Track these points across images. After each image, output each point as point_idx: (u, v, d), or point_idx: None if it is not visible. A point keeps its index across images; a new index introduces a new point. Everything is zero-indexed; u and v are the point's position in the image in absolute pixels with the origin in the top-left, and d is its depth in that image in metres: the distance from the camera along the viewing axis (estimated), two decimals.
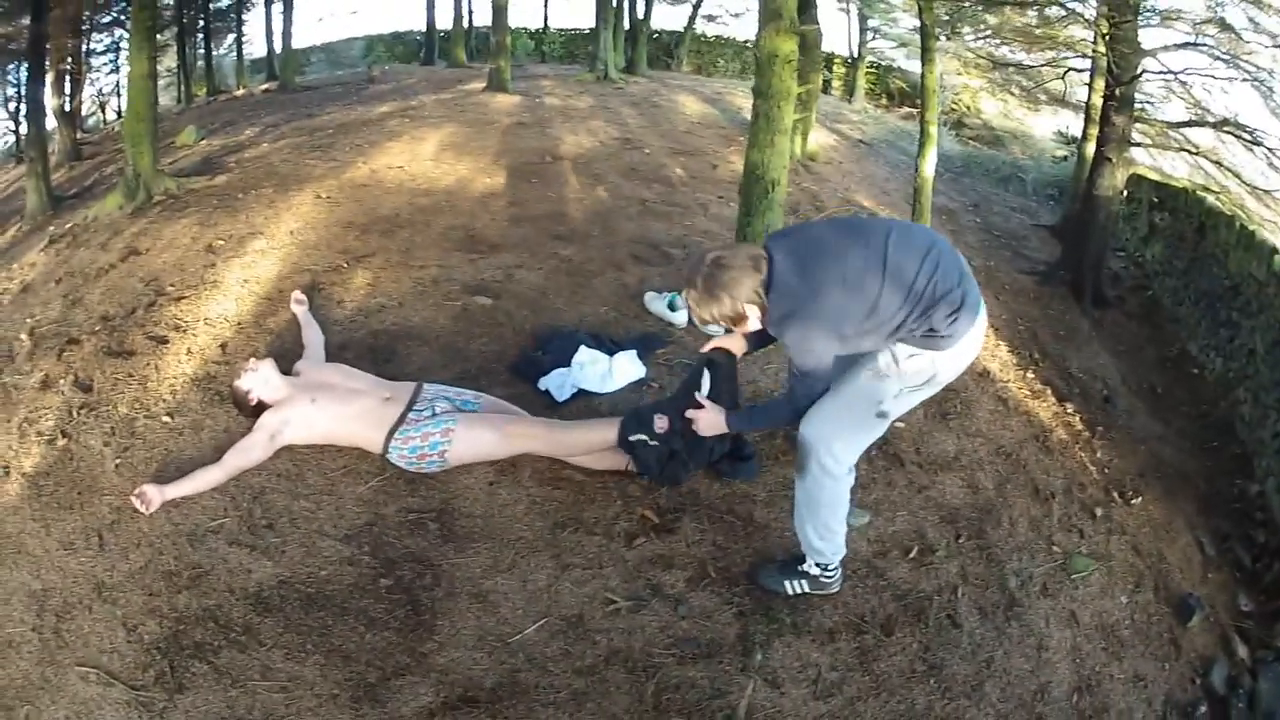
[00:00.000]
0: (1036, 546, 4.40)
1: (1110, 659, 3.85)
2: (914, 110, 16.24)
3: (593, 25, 18.66)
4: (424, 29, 25.68)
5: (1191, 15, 9.06)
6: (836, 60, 25.52)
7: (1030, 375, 6.51)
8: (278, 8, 21.75)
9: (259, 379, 4.26)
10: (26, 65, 12.16)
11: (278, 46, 21.83)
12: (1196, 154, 9.65)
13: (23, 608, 3.41)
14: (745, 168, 6.18)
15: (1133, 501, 5.09)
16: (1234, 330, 6.93)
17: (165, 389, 4.84)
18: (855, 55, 25.03)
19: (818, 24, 11.26)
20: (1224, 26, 8.82)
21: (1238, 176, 9.32)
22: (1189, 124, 9.52)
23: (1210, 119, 9.27)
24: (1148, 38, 9.14)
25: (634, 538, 3.92)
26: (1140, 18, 8.80)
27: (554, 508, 4.02)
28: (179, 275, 6.36)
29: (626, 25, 21.79)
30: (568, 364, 5.08)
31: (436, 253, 6.83)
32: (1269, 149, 8.78)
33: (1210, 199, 8.79)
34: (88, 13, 17.08)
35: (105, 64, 22.43)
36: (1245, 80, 8.93)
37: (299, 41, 22.97)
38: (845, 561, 3.72)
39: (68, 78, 16.08)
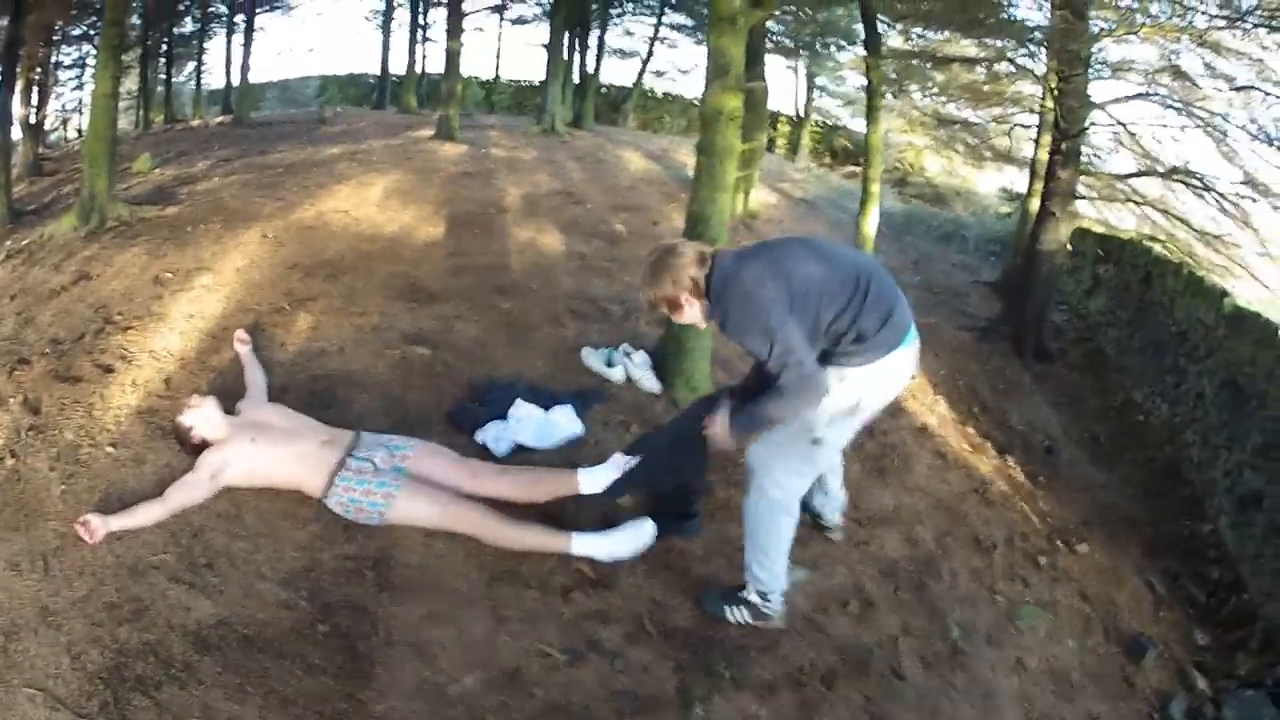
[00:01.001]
0: (979, 597, 4.46)
1: (1061, 702, 3.90)
2: (858, 169, 16.59)
3: (543, 78, 18.63)
4: (377, 73, 25.67)
5: (1144, 65, 9.27)
6: (782, 119, 25.95)
7: (970, 429, 6.67)
8: (238, 39, 21.61)
9: (201, 416, 4.23)
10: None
11: (235, 79, 21.69)
12: (1144, 204, 9.80)
13: None
14: (686, 222, 6.19)
15: (1078, 548, 5.20)
16: (1180, 376, 7.09)
17: (110, 419, 4.75)
18: (801, 114, 25.58)
19: (764, 81, 11.36)
20: (1178, 74, 9.00)
21: (1186, 224, 9.44)
22: (1137, 175, 9.65)
23: (1160, 169, 9.41)
24: (1097, 90, 9.39)
25: (570, 591, 3.89)
26: (1091, 70, 8.98)
27: (490, 560, 3.98)
28: (127, 304, 6.26)
29: (576, 79, 21.94)
30: (504, 416, 5.06)
31: (378, 300, 6.79)
32: (1220, 194, 8.90)
33: (1157, 248, 8.99)
34: (60, 22, 16.73)
35: (70, 79, 22.23)
36: (1198, 127, 9.06)
37: (256, 76, 22.95)
38: (783, 616, 3.78)
39: (35, 88, 15.79)
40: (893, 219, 13.82)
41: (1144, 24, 8.40)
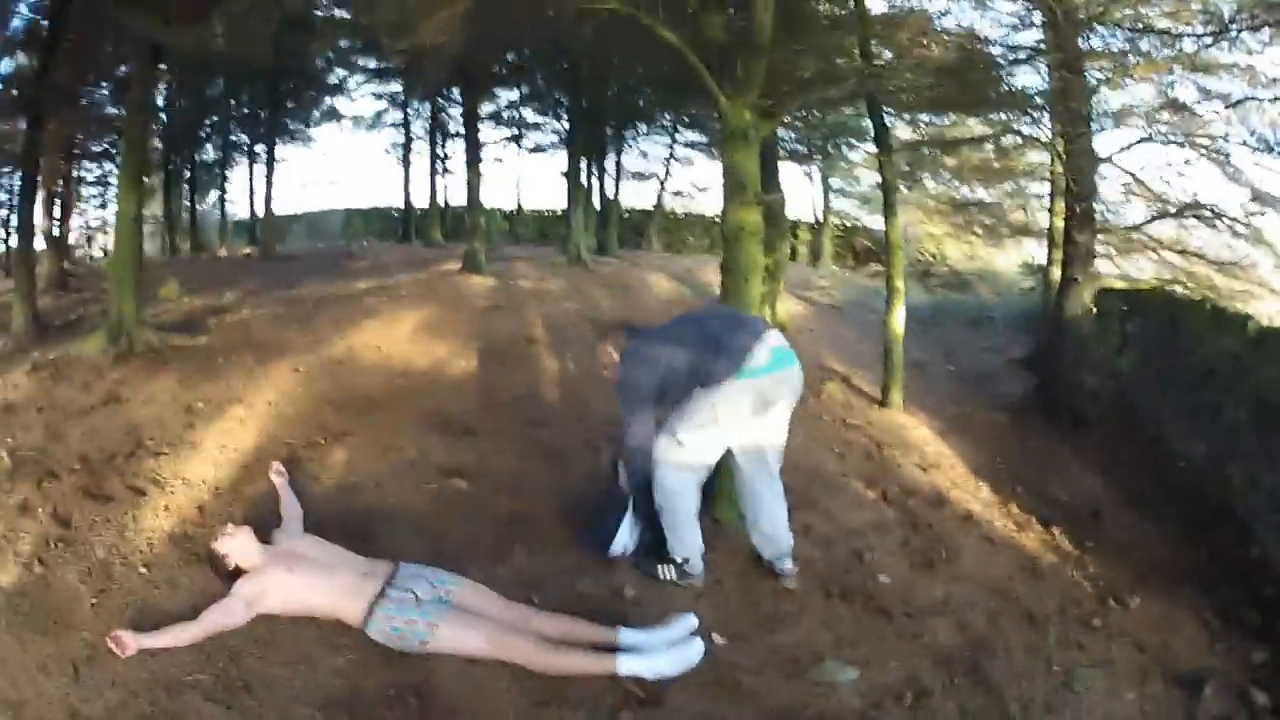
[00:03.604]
0: (1035, 670, 4.53)
1: None
2: (881, 267, 16.93)
3: (565, 206, 19.08)
4: (401, 205, 26.42)
5: (1143, 106, 9.64)
6: (802, 226, 26.36)
7: (1014, 508, 6.83)
8: (261, 169, 22.34)
9: (236, 544, 4.45)
10: (20, 175, 12.35)
11: (260, 208, 22.42)
12: (1161, 249, 10.00)
13: None
14: None
15: (1130, 603, 5.31)
16: (1215, 411, 7.21)
17: (142, 540, 5.02)
18: (820, 218, 26.15)
19: (781, 192, 11.74)
20: (1177, 107, 9.35)
21: (1202, 258, 9.68)
22: (1151, 221, 9.91)
23: (1171, 209, 9.70)
24: (1102, 143, 9.74)
25: (619, 711, 3.96)
26: (1093, 124, 9.35)
27: (535, 685, 4.07)
28: (159, 430, 6.58)
29: (598, 205, 22.45)
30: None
31: (413, 434, 7.00)
32: (1230, 219, 9.21)
33: (1178, 290, 9.29)
34: (79, 135, 17.37)
35: (94, 195, 22.93)
36: (1201, 155, 9.42)
37: (281, 207, 23.57)
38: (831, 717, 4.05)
39: (58, 202, 16.34)
40: (920, 312, 14.01)
41: (1138, 63, 8.83)
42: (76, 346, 8.87)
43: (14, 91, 14.62)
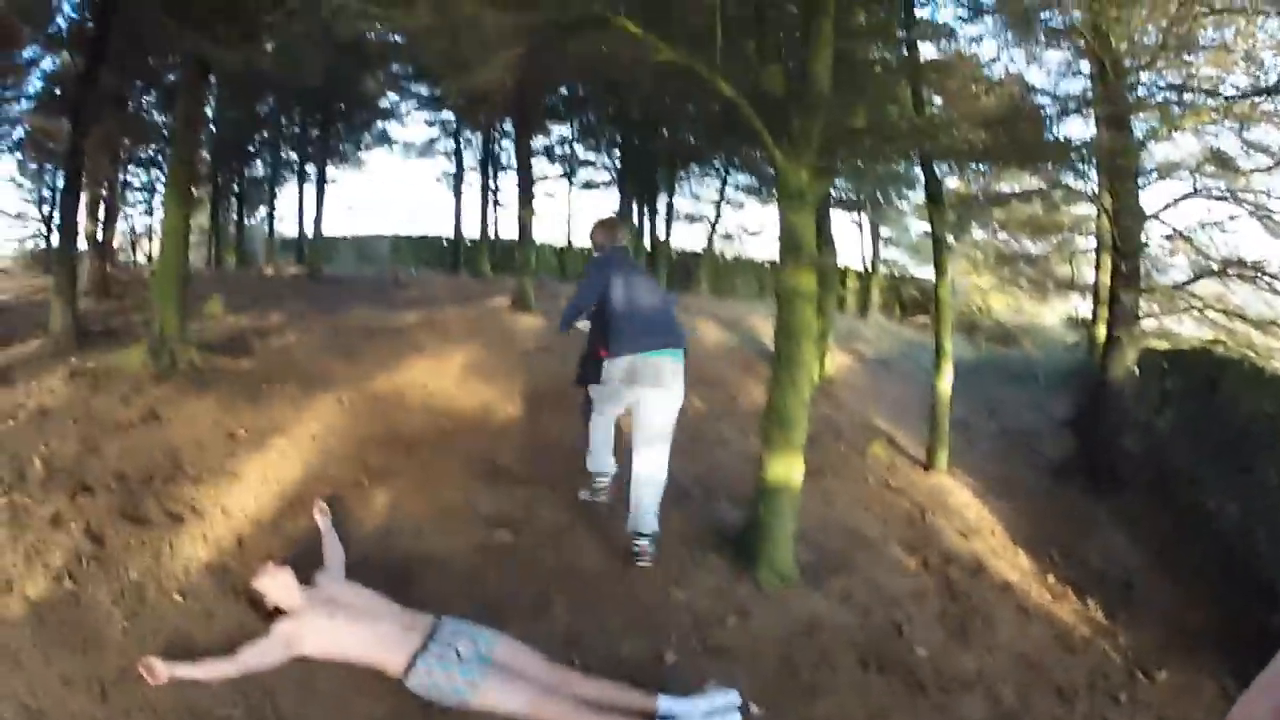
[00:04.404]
0: None
1: None
2: (927, 318, 17.05)
3: None
4: (450, 234, 26.72)
5: (1188, 161, 9.87)
6: (850, 275, 26.53)
7: (1050, 578, 7.03)
8: (310, 189, 22.69)
9: (277, 584, 4.55)
10: (64, 173, 12.57)
11: (309, 228, 22.75)
12: (1204, 308, 10.13)
13: (14, 716, 3.63)
14: (766, 409, 6.60)
15: (1157, 676, 5.44)
16: (1248, 473, 7.40)
17: (179, 567, 5.12)
18: (869, 268, 26.59)
19: (833, 246, 12.33)
20: (1221, 162, 9.57)
21: (1242, 317, 9.81)
22: (1195, 279, 10.11)
23: (1214, 265, 9.90)
24: (1148, 198, 9.87)
25: None
26: (1140, 179, 9.60)
27: None
28: (198, 455, 6.69)
29: (648, 246, 22.74)
30: None
31: (458, 479, 7.11)
32: (1271, 276, 9.35)
33: (1219, 350, 9.44)
34: (126, 140, 17.79)
35: (139, 200, 23.68)
36: (1246, 212, 9.64)
37: (328, 228, 23.84)
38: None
39: (103, 205, 16.64)
40: (963, 368, 14.03)
41: (1183, 114, 8.89)
42: (117, 358, 9.02)
43: (56, 90, 15.10)
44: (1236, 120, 9.10)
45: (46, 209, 23.23)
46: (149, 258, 23.33)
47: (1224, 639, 5.98)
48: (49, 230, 22.50)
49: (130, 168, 20.49)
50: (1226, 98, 8.71)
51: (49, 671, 3.97)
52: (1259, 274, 9.51)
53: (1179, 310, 10.53)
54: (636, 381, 6.16)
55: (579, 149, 24.68)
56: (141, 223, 25.08)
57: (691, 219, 26.66)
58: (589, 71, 12.93)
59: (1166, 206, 9.88)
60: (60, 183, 17.05)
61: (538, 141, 21.72)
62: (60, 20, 12.51)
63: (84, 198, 14.52)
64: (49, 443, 6.53)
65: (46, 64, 14.97)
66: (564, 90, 18.97)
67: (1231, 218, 9.82)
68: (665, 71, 7.36)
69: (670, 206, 24.33)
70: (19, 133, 18.63)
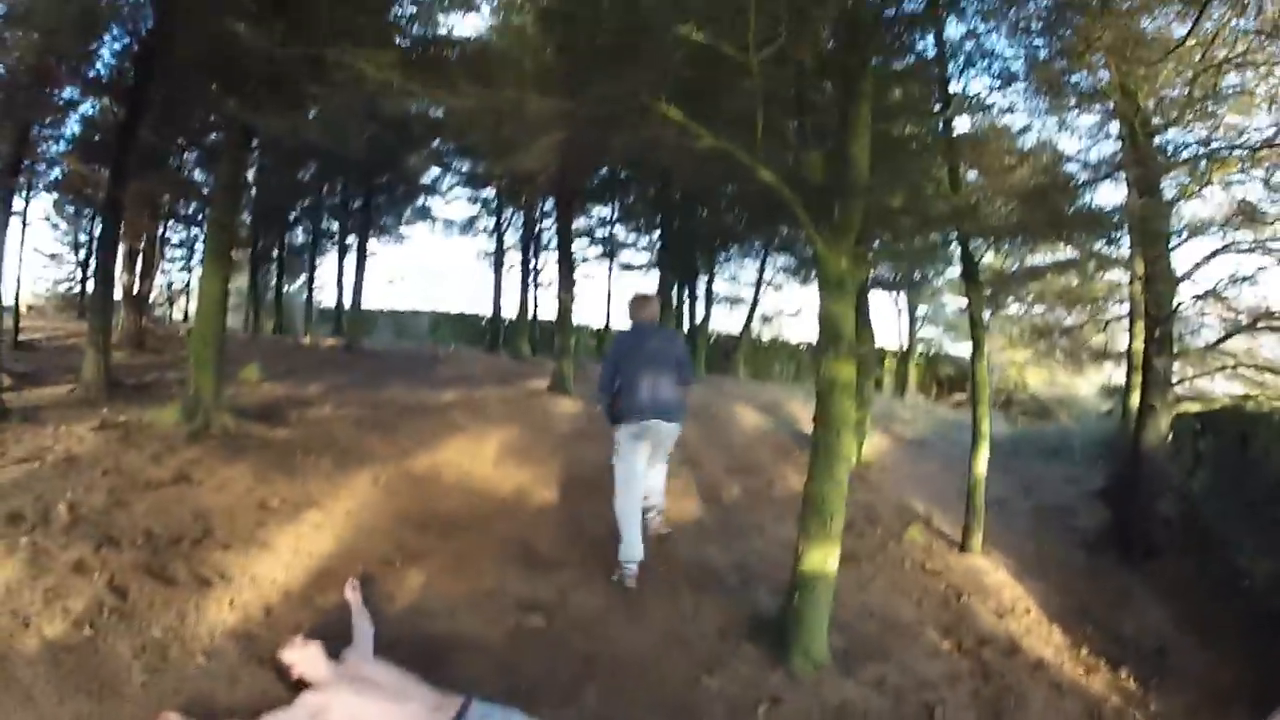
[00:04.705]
0: None
1: None
2: (963, 397, 17.07)
3: None
4: (489, 312, 26.87)
5: (1217, 216, 9.81)
6: (887, 355, 26.38)
7: (1084, 652, 7.01)
8: (350, 259, 22.96)
9: (305, 657, 4.55)
10: (101, 222, 12.74)
11: (347, 299, 22.93)
12: (1235, 366, 10.15)
13: None
14: (804, 498, 6.56)
15: None
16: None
17: (204, 630, 5.13)
18: (905, 347, 26.40)
19: (873, 334, 12.44)
20: (1250, 215, 9.47)
21: (1273, 370, 9.87)
22: (1226, 337, 10.01)
23: (1243, 319, 9.81)
24: (1179, 258, 10.16)
25: None
26: (1171, 239, 9.57)
27: None
28: (229, 522, 6.72)
29: (686, 328, 22.62)
30: None
31: (492, 562, 7.10)
32: None
33: (1250, 406, 9.40)
34: (165, 195, 18.03)
35: (178, 257, 24.33)
36: (1277, 263, 9.53)
37: (367, 301, 23.99)
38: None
39: (140, 258, 16.78)
40: (1000, 445, 13.93)
41: (1210, 168, 9.03)
42: (150, 414, 9.12)
43: (96, 136, 15.40)
44: (1263, 167, 9.12)
45: (82, 253, 23.62)
46: (185, 315, 23.65)
47: (1256, 695, 6.02)
48: (84, 275, 22.85)
49: (170, 223, 20.72)
50: (1252, 147, 8.73)
51: (61, 710, 4.03)
52: None
53: (1211, 370, 10.59)
54: (640, 438, 7.59)
55: (620, 230, 24.90)
56: (180, 279, 25.68)
57: (731, 302, 26.63)
58: (631, 155, 13.11)
59: (1198, 265, 9.88)
60: (97, 230, 17.34)
61: (579, 222, 21.93)
62: (100, 66, 12.73)
63: (121, 248, 14.78)
64: (75, 491, 6.61)
65: (86, 108, 15.27)
66: (605, 171, 19.18)
67: (1260, 269, 9.79)
68: (706, 155, 7.47)
69: (710, 289, 24.49)
70: (56, 173, 18.97)
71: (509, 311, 25.99)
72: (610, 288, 26.37)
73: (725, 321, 29.86)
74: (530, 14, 9.72)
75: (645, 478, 7.75)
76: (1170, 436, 10.49)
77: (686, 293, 22.96)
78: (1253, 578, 7.86)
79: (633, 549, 7.23)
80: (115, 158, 11.55)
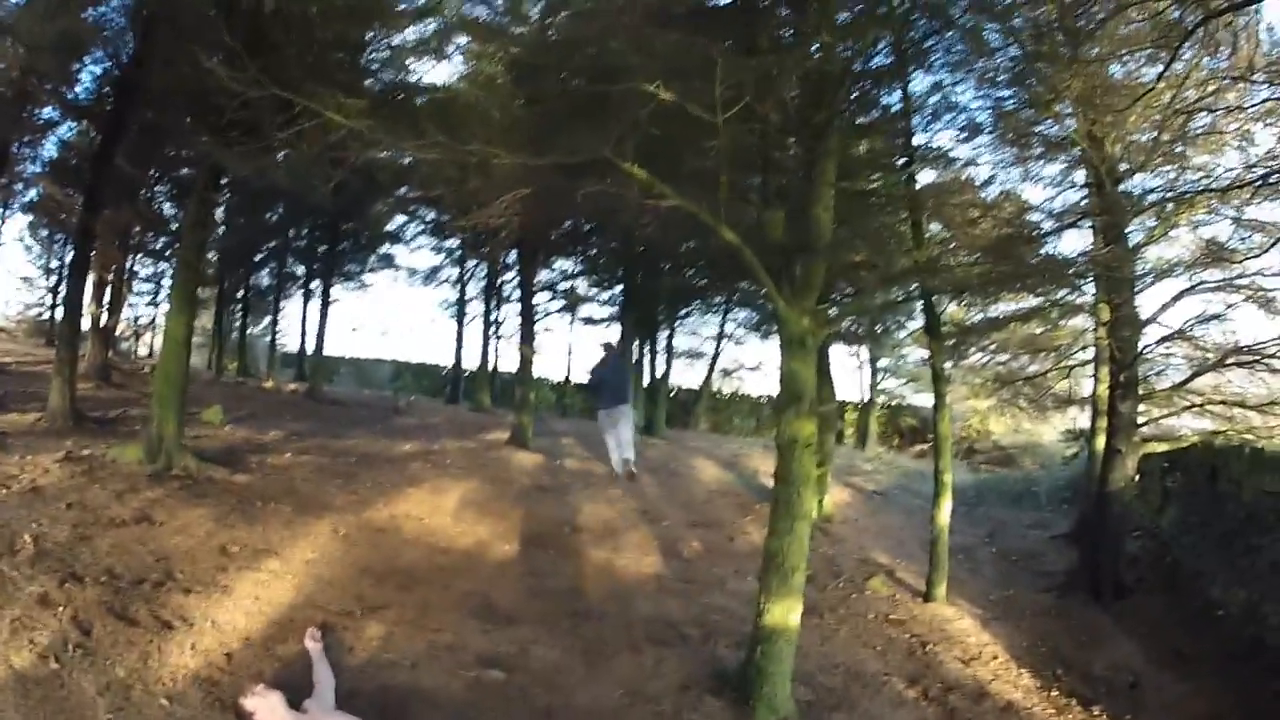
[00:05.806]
0: None
1: None
2: (925, 447, 17.26)
3: None
4: (450, 363, 26.90)
5: (1183, 255, 10.05)
6: (848, 407, 26.71)
7: (1054, 693, 7.23)
8: (314, 304, 23.06)
9: (268, 705, 4.66)
10: (73, 249, 12.81)
11: (310, 344, 23.12)
12: (1203, 403, 10.29)
13: None
14: (765, 553, 6.76)
15: None
16: (1254, 555, 7.52)
17: (166, 673, 5.22)
18: (867, 399, 26.70)
19: (834, 390, 13.14)
20: (1216, 254, 9.68)
21: (1242, 404, 9.99)
22: (1193, 376, 10.19)
23: (1210, 356, 9.96)
24: (1144, 300, 10.24)
25: None
26: (1136, 283, 9.78)
27: None
28: (190, 566, 6.80)
29: (646, 382, 22.88)
30: None
31: (452, 616, 7.17)
32: (1270, 355, 9.39)
33: (1219, 441, 9.52)
34: (136, 227, 18.08)
35: (146, 290, 24.28)
36: (1245, 300, 9.73)
37: (330, 347, 23.99)
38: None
39: (108, 290, 16.78)
40: (964, 494, 14.18)
41: (1177, 210, 9.32)
42: (114, 451, 9.15)
43: (72, 160, 15.52)
44: (1232, 205, 9.37)
45: (54, 279, 23.56)
46: (150, 351, 23.57)
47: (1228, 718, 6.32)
48: (54, 302, 22.79)
49: (139, 256, 20.72)
50: (1222, 189, 8.92)
51: None
52: (1257, 359, 9.65)
53: (1179, 410, 10.78)
54: (609, 415, 10.73)
55: (582, 284, 25.04)
56: (146, 313, 25.62)
57: (691, 356, 26.84)
58: (594, 210, 13.35)
59: (1164, 307, 10.15)
60: (69, 256, 17.32)
61: (542, 275, 22.07)
62: (79, 90, 12.84)
63: (91, 278, 14.82)
64: (40, 523, 6.68)
65: (64, 130, 15.35)
66: (569, 224, 19.38)
67: (1229, 306, 10.02)
68: (669, 212, 7.65)
69: (670, 344, 24.74)
70: (32, 194, 18.97)
71: (470, 362, 26.06)
72: (571, 342, 26.45)
73: (686, 375, 30.06)
74: (501, 64, 9.98)
75: (618, 432, 10.72)
76: (1138, 476, 10.81)
77: (648, 347, 23.16)
78: (1228, 608, 8.02)
79: (615, 463, 10.83)
80: (90, 184, 11.73)
